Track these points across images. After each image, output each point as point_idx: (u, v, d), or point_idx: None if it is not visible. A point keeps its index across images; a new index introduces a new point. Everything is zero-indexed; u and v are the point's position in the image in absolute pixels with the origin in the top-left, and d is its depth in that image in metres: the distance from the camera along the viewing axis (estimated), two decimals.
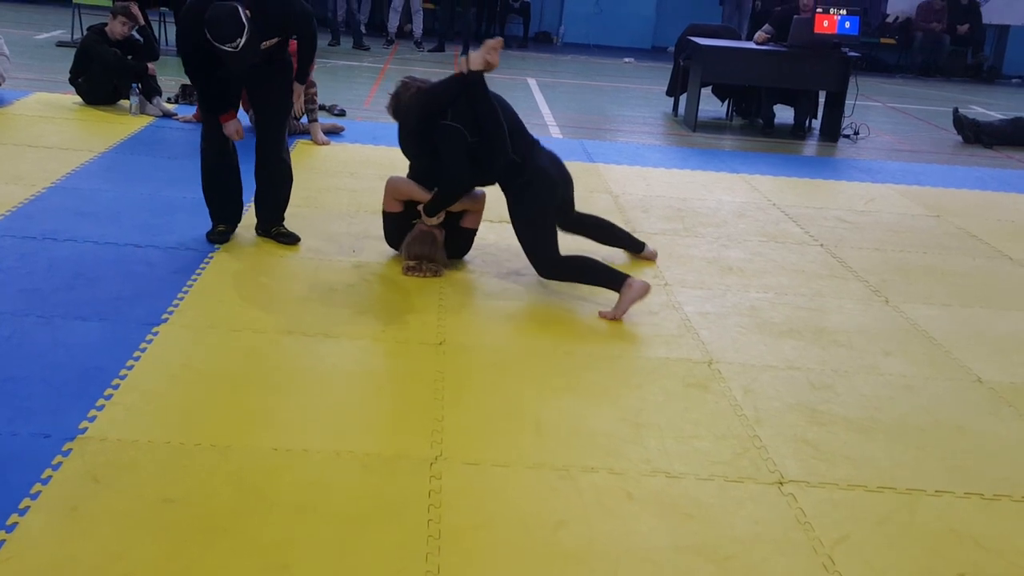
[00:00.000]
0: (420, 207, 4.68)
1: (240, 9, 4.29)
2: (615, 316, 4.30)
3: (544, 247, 4.52)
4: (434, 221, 4.69)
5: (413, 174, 4.81)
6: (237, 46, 4.28)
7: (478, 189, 4.79)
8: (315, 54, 4.93)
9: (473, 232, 4.90)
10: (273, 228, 5.00)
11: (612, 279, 4.38)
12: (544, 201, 4.55)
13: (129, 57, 7.57)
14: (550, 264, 4.52)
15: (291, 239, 4.96)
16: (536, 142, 4.68)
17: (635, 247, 5.17)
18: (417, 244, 4.69)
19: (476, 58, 4.45)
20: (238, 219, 5.03)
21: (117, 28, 7.55)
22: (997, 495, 3.13)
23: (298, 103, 5.01)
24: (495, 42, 4.49)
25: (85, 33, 7.78)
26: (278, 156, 4.95)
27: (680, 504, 2.94)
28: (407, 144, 4.75)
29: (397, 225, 4.79)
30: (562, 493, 2.95)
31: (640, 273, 4.88)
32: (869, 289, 5.01)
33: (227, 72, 4.53)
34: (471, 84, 4.48)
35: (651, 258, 5.17)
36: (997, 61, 16.29)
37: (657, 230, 5.74)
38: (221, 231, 4.92)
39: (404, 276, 4.62)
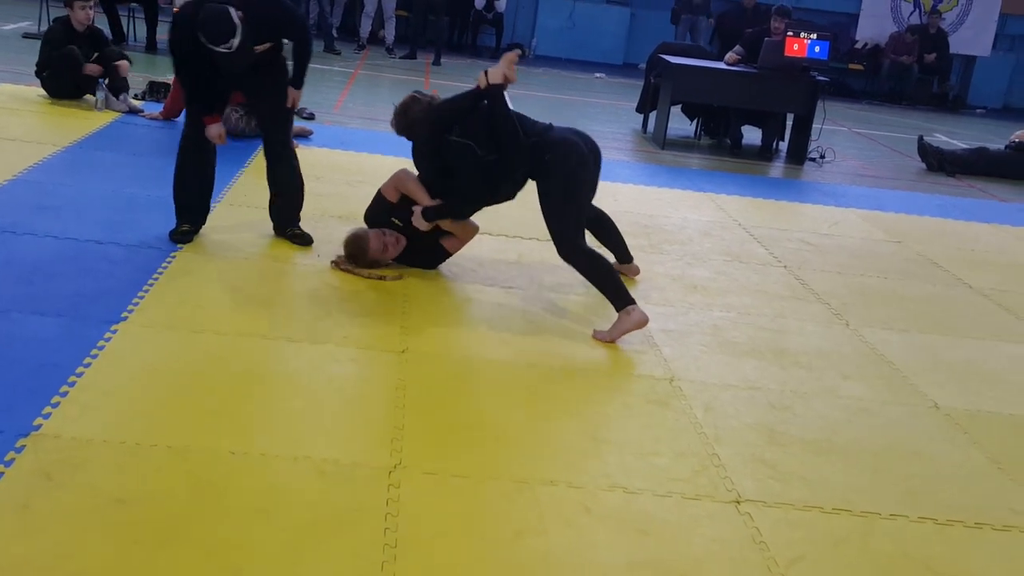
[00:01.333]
0: (416, 208, 4.63)
1: (232, 11, 4.31)
2: (609, 339, 4.26)
3: (568, 225, 4.41)
4: (424, 226, 4.64)
5: (424, 181, 4.74)
6: (231, 47, 4.33)
7: (475, 220, 4.78)
8: (310, 57, 4.90)
9: (448, 254, 4.88)
10: (288, 229, 5.05)
11: (620, 297, 4.31)
12: (571, 173, 4.43)
13: (96, 55, 7.49)
14: (571, 246, 4.41)
15: (305, 240, 5.01)
16: (550, 125, 4.62)
17: (624, 257, 5.16)
18: (350, 243, 4.71)
19: (495, 72, 4.44)
20: (203, 221, 4.99)
21: (80, 15, 7.43)
22: (950, 520, 3.16)
23: (294, 103, 4.96)
24: (513, 55, 4.48)
25: (51, 24, 7.65)
26: (288, 162, 5.00)
27: (637, 520, 2.95)
28: (419, 161, 4.72)
29: (382, 212, 4.77)
30: (520, 505, 2.95)
31: None
32: (830, 312, 5.06)
33: (218, 77, 4.56)
34: (490, 98, 4.47)
35: (633, 274, 5.16)
36: (962, 91, 16.55)
37: None
38: (185, 231, 4.87)
39: (367, 281, 4.61)
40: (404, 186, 4.74)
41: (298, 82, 4.89)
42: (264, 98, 4.89)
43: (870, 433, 3.74)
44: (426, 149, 4.62)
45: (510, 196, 4.73)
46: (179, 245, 4.77)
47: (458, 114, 4.50)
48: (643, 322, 4.28)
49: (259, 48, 4.56)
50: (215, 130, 4.74)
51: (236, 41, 4.32)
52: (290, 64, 4.89)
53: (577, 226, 4.45)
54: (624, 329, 4.27)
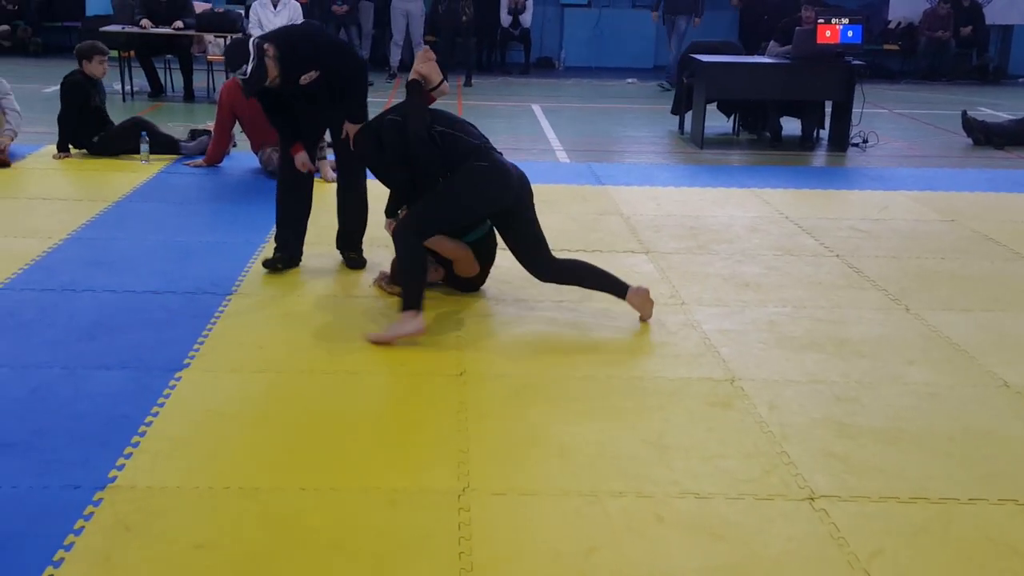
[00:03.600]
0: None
1: (252, 42, 4.67)
2: (380, 339, 4.21)
3: (427, 216, 4.37)
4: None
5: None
6: (245, 73, 4.68)
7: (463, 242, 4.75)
8: (364, 89, 5.08)
9: (472, 279, 4.86)
10: (347, 252, 5.35)
11: (410, 299, 4.25)
12: (468, 188, 4.38)
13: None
14: (409, 235, 4.32)
15: (356, 263, 5.29)
16: (479, 148, 4.46)
17: (618, 287, 4.55)
18: (392, 265, 4.82)
19: (412, 71, 4.64)
20: (297, 253, 5.26)
21: (98, 70, 7.61)
22: None
23: (353, 139, 5.10)
24: (421, 52, 4.73)
25: (69, 79, 7.65)
26: (355, 190, 5.27)
27: (711, 525, 2.93)
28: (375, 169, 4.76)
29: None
30: (591, 519, 2.94)
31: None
32: (888, 298, 4.99)
33: (297, 110, 4.98)
34: (408, 92, 4.59)
35: (640, 303, 4.53)
36: (1002, 61, 16.28)
37: (670, 249, 5.74)
38: (275, 258, 5.19)
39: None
40: None
41: (353, 115, 4.99)
42: (336, 130, 5.13)
43: (941, 418, 3.68)
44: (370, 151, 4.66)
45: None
46: (266, 270, 5.12)
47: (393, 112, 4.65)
48: (418, 332, 4.23)
49: (305, 79, 4.77)
50: (300, 159, 5.05)
51: (249, 68, 4.63)
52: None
53: (431, 224, 4.40)
54: (398, 332, 4.21)
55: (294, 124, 5.04)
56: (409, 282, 4.29)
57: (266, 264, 5.15)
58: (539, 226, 4.59)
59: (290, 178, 5.16)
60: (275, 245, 5.24)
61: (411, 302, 4.25)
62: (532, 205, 4.60)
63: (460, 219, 4.56)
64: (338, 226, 5.37)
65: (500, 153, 4.59)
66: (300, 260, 5.27)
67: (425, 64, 4.64)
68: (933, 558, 2.79)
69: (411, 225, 4.36)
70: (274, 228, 5.29)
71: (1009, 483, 3.20)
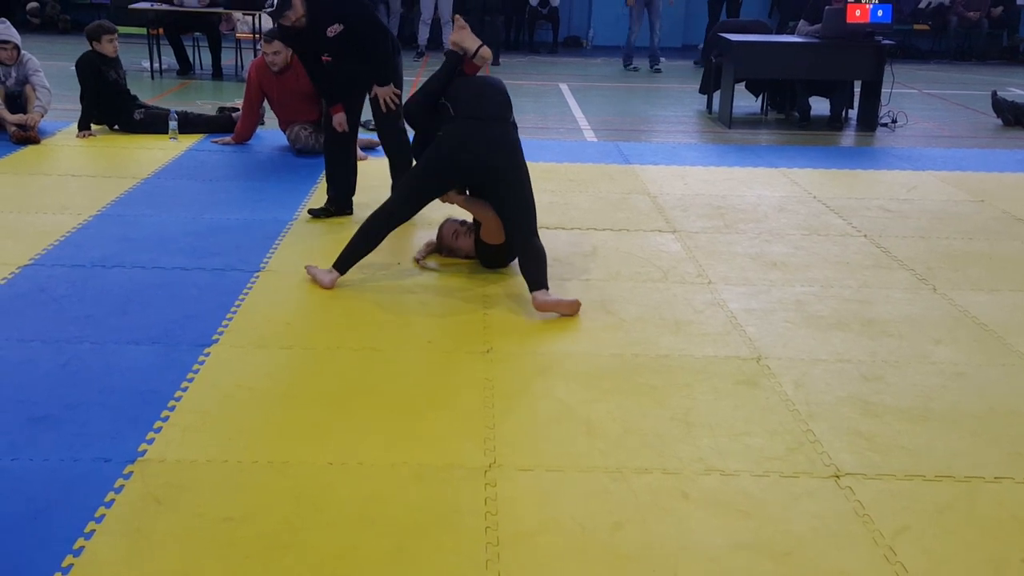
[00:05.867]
0: None
1: None
2: (308, 269, 4.63)
3: (402, 189, 4.74)
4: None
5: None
6: (272, 5, 5.11)
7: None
8: (384, 50, 5.36)
9: (494, 246, 4.83)
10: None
11: (344, 259, 4.59)
12: (427, 155, 4.63)
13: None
14: (386, 210, 4.67)
15: None
16: (462, 116, 4.59)
17: (537, 284, 4.38)
18: (439, 230, 5.07)
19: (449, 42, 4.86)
20: (342, 202, 5.72)
21: (108, 48, 7.66)
22: None
23: (382, 102, 5.43)
24: (456, 23, 4.85)
25: (83, 59, 7.68)
26: (398, 141, 5.61)
27: (736, 501, 2.94)
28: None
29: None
30: (617, 495, 2.96)
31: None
32: (916, 278, 4.96)
33: (332, 69, 5.39)
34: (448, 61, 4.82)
35: (543, 306, 4.33)
36: None
37: (697, 228, 5.72)
38: (322, 208, 5.70)
39: (448, 285, 4.67)
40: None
41: (378, 77, 5.38)
42: (372, 95, 5.49)
43: (967, 397, 3.67)
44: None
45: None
46: (313, 217, 5.63)
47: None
48: (325, 287, 4.54)
49: (330, 31, 5.14)
50: (338, 119, 5.48)
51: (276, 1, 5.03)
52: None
53: (405, 194, 4.70)
54: (316, 275, 4.60)
55: (336, 87, 5.43)
56: (354, 248, 4.61)
57: (312, 212, 5.64)
58: (523, 195, 4.56)
59: (332, 134, 5.59)
60: (328, 198, 5.72)
61: (341, 262, 4.61)
62: (510, 171, 4.56)
63: (427, 183, 4.66)
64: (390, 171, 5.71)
65: (491, 119, 4.60)
66: (351, 211, 5.70)
67: (458, 33, 4.77)
68: (958, 536, 2.79)
69: (388, 205, 4.68)
70: (305, 201, 5.70)
71: None
